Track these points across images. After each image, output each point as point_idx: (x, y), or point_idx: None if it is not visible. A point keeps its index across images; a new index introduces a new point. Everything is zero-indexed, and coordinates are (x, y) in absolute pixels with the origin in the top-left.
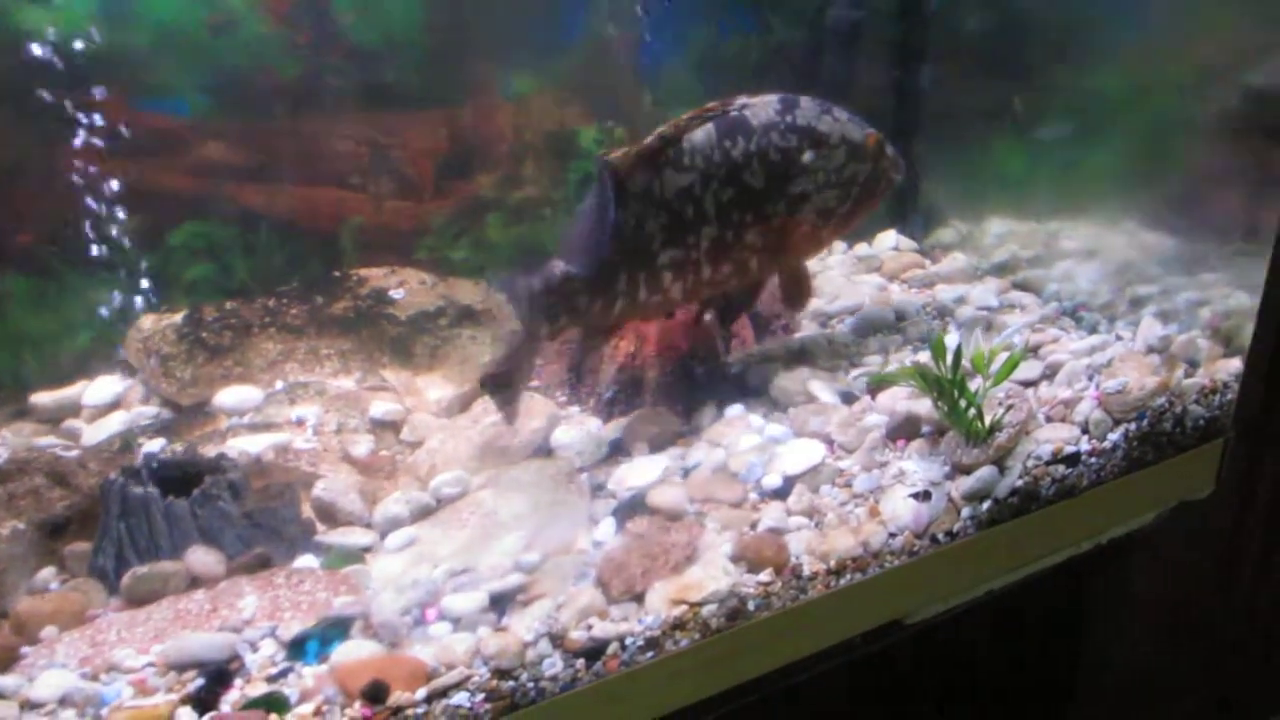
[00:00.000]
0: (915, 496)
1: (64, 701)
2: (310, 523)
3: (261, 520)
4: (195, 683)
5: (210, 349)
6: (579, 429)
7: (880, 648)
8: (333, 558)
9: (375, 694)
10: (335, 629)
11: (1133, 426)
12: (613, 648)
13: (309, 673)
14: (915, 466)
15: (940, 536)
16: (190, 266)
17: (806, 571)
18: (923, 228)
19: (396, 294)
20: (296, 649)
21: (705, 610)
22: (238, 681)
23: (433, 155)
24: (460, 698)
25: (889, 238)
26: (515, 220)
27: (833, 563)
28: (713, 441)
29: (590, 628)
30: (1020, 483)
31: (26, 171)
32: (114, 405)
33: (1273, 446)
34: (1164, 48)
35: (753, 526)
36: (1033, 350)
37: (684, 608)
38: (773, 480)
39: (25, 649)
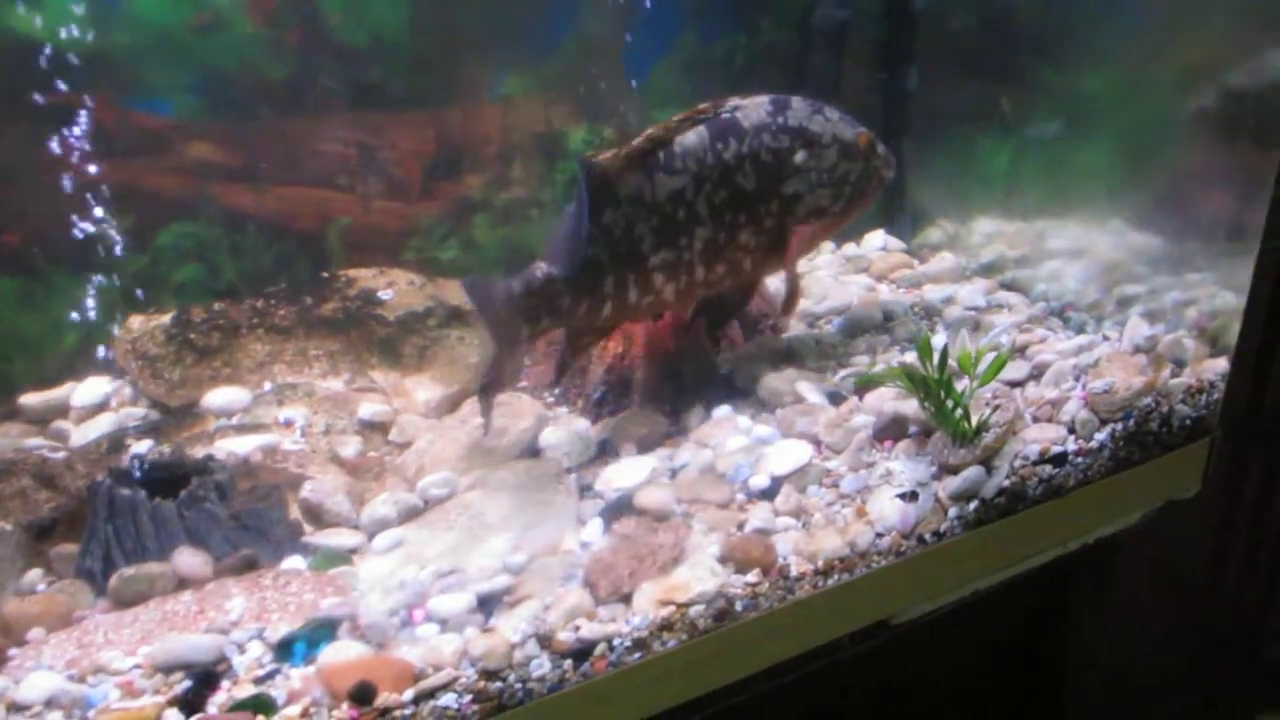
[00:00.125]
0: (902, 497)
1: (50, 703)
2: (298, 524)
3: (249, 522)
4: (182, 685)
5: (198, 350)
6: (567, 430)
7: (867, 648)
8: (320, 559)
9: (362, 695)
10: (322, 630)
11: (1119, 426)
12: (600, 649)
13: (296, 674)
14: (902, 467)
15: (927, 537)
16: (178, 267)
17: (794, 572)
18: (911, 228)
19: (385, 295)
20: (284, 650)
21: (692, 611)
22: (225, 683)
23: (420, 156)
24: (447, 699)
25: (877, 238)
26: (503, 221)
27: (820, 563)
28: (700, 442)
29: (578, 629)
30: (1007, 483)
31: (12, 171)
32: (102, 406)
33: (1259, 446)
34: (1149, 48)
35: (740, 527)
36: (1020, 350)
37: (671, 608)
38: (760, 481)
39: (12, 651)
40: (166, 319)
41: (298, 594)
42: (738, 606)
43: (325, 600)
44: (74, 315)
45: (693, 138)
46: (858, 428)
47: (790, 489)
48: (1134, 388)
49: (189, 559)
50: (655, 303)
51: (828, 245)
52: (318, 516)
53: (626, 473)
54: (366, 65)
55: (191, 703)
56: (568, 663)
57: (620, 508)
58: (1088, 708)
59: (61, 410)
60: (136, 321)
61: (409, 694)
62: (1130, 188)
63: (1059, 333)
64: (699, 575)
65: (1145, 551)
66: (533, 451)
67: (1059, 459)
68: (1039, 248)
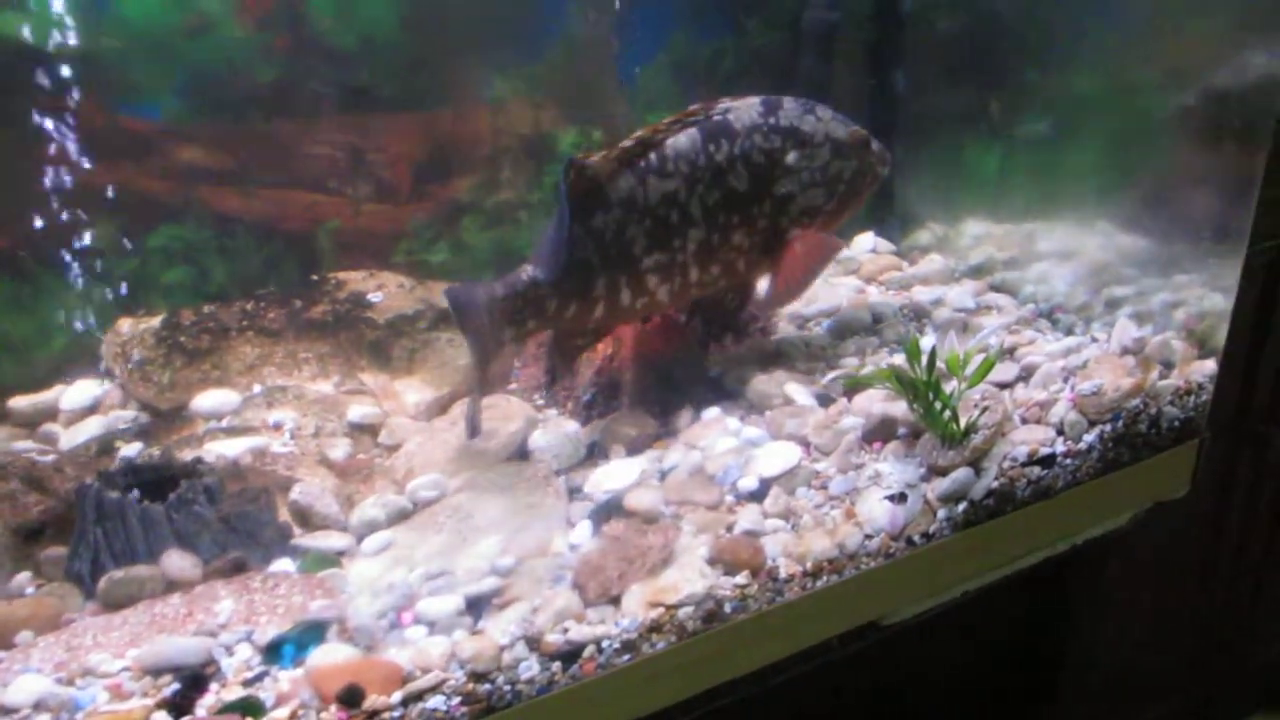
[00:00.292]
0: (891, 498)
1: (39, 706)
2: (287, 526)
3: (237, 524)
4: (171, 687)
5: (188, 353)
6: (556, 432)
7: (857, 649)
8: (309, 561)
9: (351, 698)
10: (311, 633)
11: (1108, 428)
12: (589, 651)
13: (285, 677)
14: (891, 468)
15: (916, 538)
16: (168, 270)
17: (783, 574)
18: (900, 230)
19: (374, 297)
20: (272, 653)
21: (682, 613)
22: (213, 686)
23: (410, 159)
24: (436, 701)
25: (867, 240)
26: (492, 224)
27: (809, 565)
28: (690, 444)
29: (566, 631)
30: (996, 484)
31: (1, 174)
32: (91, 409)
33: (1249, 447)
34: (1136, 49)
35: (729, 529)
36: (1008, 352)
37: (660, 610)
38: (749, 483)
39: (0, 654)
40: (156, 322)
41: (286, 596)
42: (727, 608)
43: (314, 603)
44: (63, 318)
45: (684, 140)
46: (846, 429)
47: (779, 491)
48: (1122, 389)
49: (178, 562)
50: (649, 304)
51: None
52: (307, 519)
53: (616, 475)
54: (356, 68)
55: (180, 705)
56: (556, 665)
57: (609, 510)
58: (1079, 709)
59: (50, 413)
60: (126, 324)
61: (397, 696)
62: (1118, 189)
63: (1047, 334)
64: (688, 577)
65: (1135, 553)
66: (522, 454)
67: (1047, 460)
68: (1028, 250)
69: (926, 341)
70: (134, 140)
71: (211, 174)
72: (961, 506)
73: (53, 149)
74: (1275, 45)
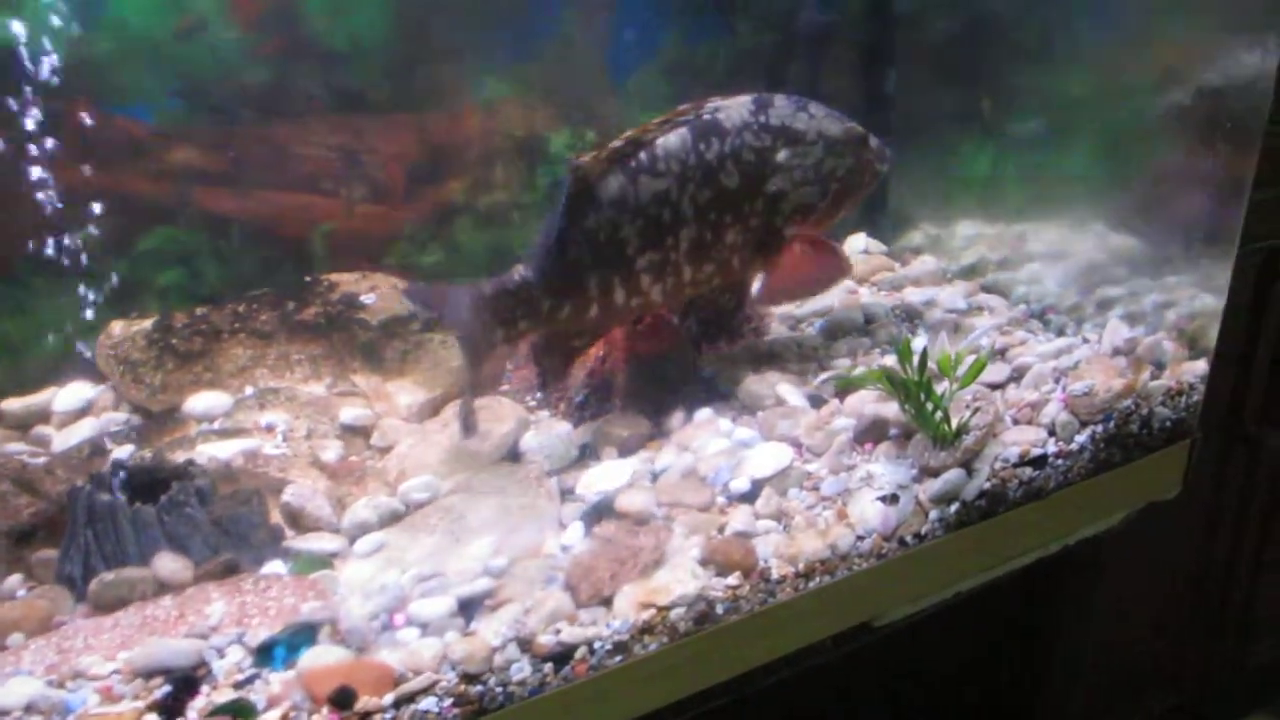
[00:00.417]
0: (883, 499)
1: (30, 709)
2: (279, 528)
3: (229, 526)
4: (162, 690)
5: (180, 355)
6: (548, 433)
7: (849, 651)
8: (301, 563)
9: (342, 700)
10: (302, 635)
11: (1099, 428)
12: (581, 652)
13: (276, 679)
14: (883, 469)
15: (908, 539)
16: (161, 272)
17: (775, 575)
18: (892, 231)
19: (367, 299)
20: (264, 655)
21: (673, 614)
22: (204, 688)
23: (404, 160)
24: (428, 703)
25: (859, 241)
26: (486, 225)
27: (801, 566)
28: (682, 445)
29: (558, 632)
30: (988, 485)
31: None
32: (84, 411)
33: (1242, 447)
34: (1128, 51)
35: (720, 530)
36: (1000, 353)
37: (652, 611)
38: (741, 484)
39: None
40: (148, 324)
41: (278, 598)
42: (719, 609)
43: (306, 604)
44: (55, 320)
45: (674, 139)
46: (838, 430)
47: (771, 492)
48: (1114, 390)
49: (169, 564)
50: (643, 304)
51: None
52: (298, 521)
53: (608, 476)
54: (349, 69)
55: (171, 708)
56: (548, 666)
57: (601, 511)
58: (1072, 710)
59: (43, 416)
60: (118, 326)
61: (389, 698)
62: (1110, 190)
63: (1039, 335)
64: (680, 578)
65: (1128, 553)
66: (514, 455)
67: (1039, 461)
68: (1020, 250)
69: (918, 342)
70: (127, 142)
71: (204, 176)
72: (953, 507)
73: (45, 150)
74: (1265, 45)
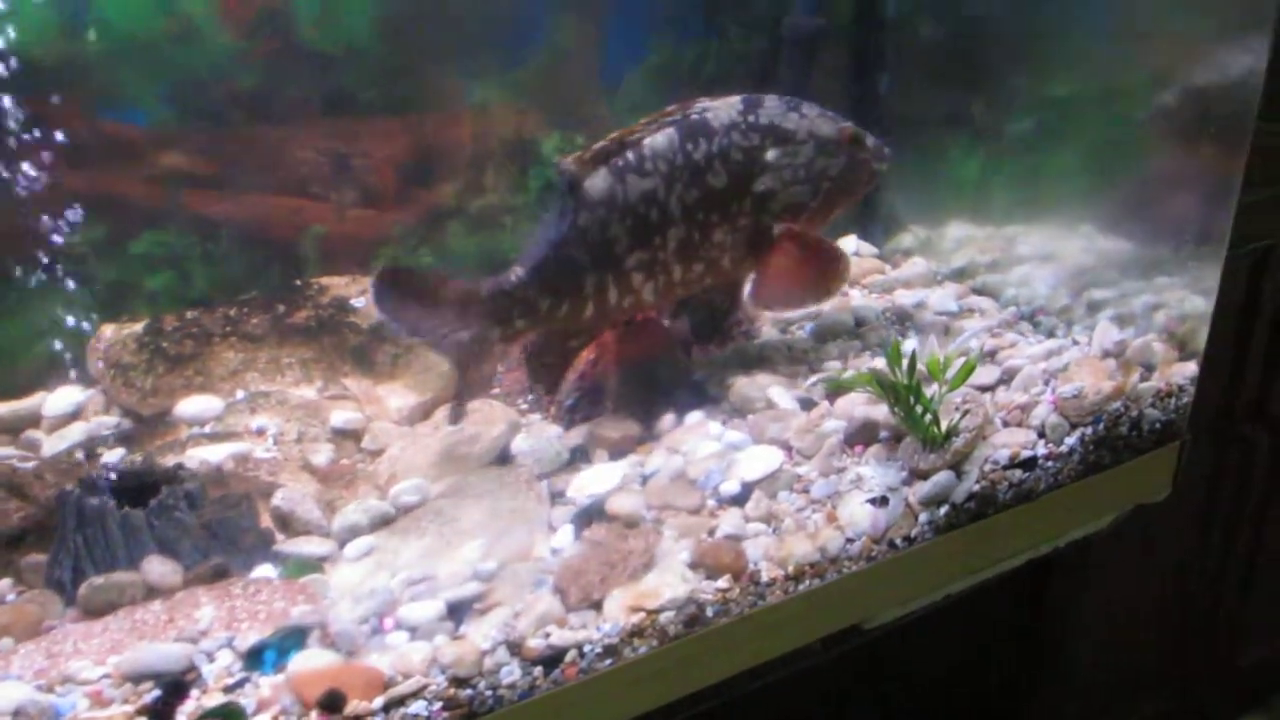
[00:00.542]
0: (873, 502)
1: (18, 714)
2: (269, 532)
3: (219, 530)
4: (151, 694)
5: (171, 358)
6: (539, 436)
7: (839, 653)
8: (291, 567)
9: (332, 703)
10: (292, 638)
11: (1089, 430)
12: (571, 655)
13: (266, 683)
14: (873, 472)
15: (898, 541)
16: (151, 275)
17: (765, 578)
18: (883, 233)
19: (358, 302)
20: (253, 659)
21: (663, 617)
22: (194, 692)
23: (394, 163)
24: (418, 706)
25: (849, 243)
26: (477, 228)
27: (791, 569)
28: (672, 448)
29: (548, 635)
30: (977, 487)
31: None
32: (74, 416)
33: (1235, 448)
34: (1118, 52)
35: (710, 533)
36: (990, 355)
37: (642, 615)
38: (731, 487)
39: None
40: (139, 327)
41: (268, 602)
42: (708, 612)
43: (295, 608)
44: (46, 324)
45: (662, 139)
46: (829, 433)
47: (761, 494)
48: (1103, 392)
49: (158, 568)
50: (635, 303)
51: None
52: (288, 524)
53: (598, 479)
54: (339, 72)
55: (160, 712)
56: (538, 670)
57: (591, 514)
58: (1063, 712)
59: (33, 420)
60: (109, 330)
61: (379, 702)
62: (1100, 192)
63: (1029, 337)
64: (669, 581)
65: (1118, 555)
66: (504, 458)
67: (1029, 463)
68: (1010, 252)
69: (908, 345)
70: (117, 145)
71: (195, 179)
72: (943, 510)
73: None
74: (1253, 46)
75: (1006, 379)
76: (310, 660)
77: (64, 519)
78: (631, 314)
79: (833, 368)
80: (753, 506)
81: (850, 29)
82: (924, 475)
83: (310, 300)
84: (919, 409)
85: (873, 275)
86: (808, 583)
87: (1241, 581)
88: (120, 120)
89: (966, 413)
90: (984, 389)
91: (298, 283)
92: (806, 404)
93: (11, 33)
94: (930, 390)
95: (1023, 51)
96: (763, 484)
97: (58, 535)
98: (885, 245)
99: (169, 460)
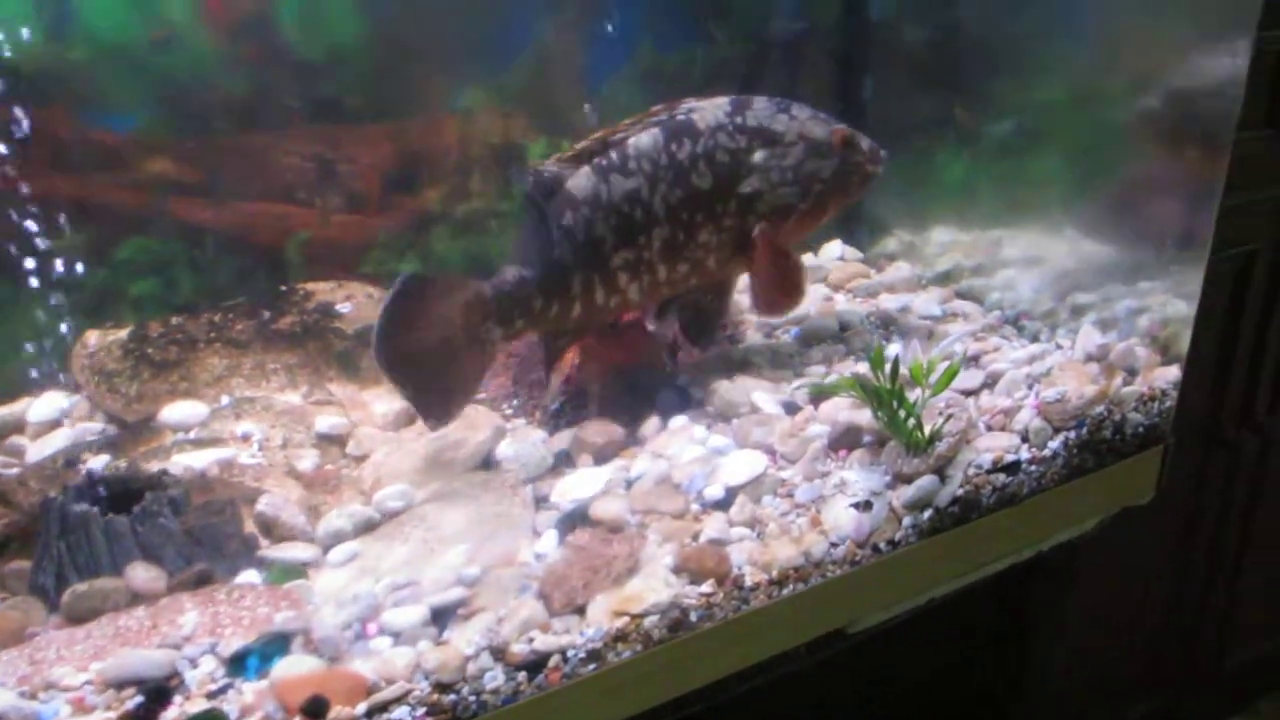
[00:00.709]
0: (856, 506)
1: None
2: (253, 538)
3: (202, 536)
4: (134, 700)
5: (156, 364)
6: (524, 441)
7: (823, 657)
8: (275, 573)
9: (315, 709)
10: (275, 644)
11: (1072, 434)
12: (554, 660)
13: (249, 689)
14: (856, 476)
15: (882, 546)
16: (136, 282)
17: (748, 582)
18: (868, 237)
19: (343, 308)
20: (237, 665)
21: (647, 622)
22: (177, 698)
23: (379, 169)
24: (401, 712)
25: (834, 248)
26: (462, 233)
27: (775, 573)
28: (656, 453)
29: (532, 640)
30: (961, 491)
31: None
32: (58, 422)
33: (1221, 452)
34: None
35: (694, 538)
36: (973, 359)
37: (625, 620)
38: (715, 491)
39: None
40: (123, 334)
41: (251, 608)
42: (692, 617)
43: (279, 614)
44: (30, 331)
45: (647, 140)
46: (813, 437)
47: (745, 499)
48: (1086, 396)
49: (142, 574)
50: (621, 303)
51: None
52: (272, 530)
53: (582, 484)
54: (324, 78)
55: (143, 718)
56: (522, 675)
57: (575, 519)
58: (1048, 715)
59: (17, 426)
60: (93, 336)
61: (362, 707)
62: (1084, 197)
63: (1013, 341)
64: (653, 586)
65: (1102, 559)
66: (489, 463)
67: (1012, 467)
68: (994, 257)
69: (891, 350)
70: (102, 152)
71: (180, 186)
72: (927, 514)
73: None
74: (1233, 51)
75: (990, 383)
76: (294, 666)
77: (48, 525)
78: (619, 313)
79: (817, 372)
80: (737, 511)
81: (835, 34)
82: (907, 479)
83: (295, 306)
84: (902, 413)
85: (857, 280)
86: (791, 587)
87: (1228, 585)
88: (104, 126)
89: (950, 417)
90: (967, 393)
91: (283, 288)
92: (791, 408)
93: None
94: (914, 395)
95: (1007, 56)
96: (747, 488)
97: (41, 541)
98: (870, 250)
99: (153, 466)
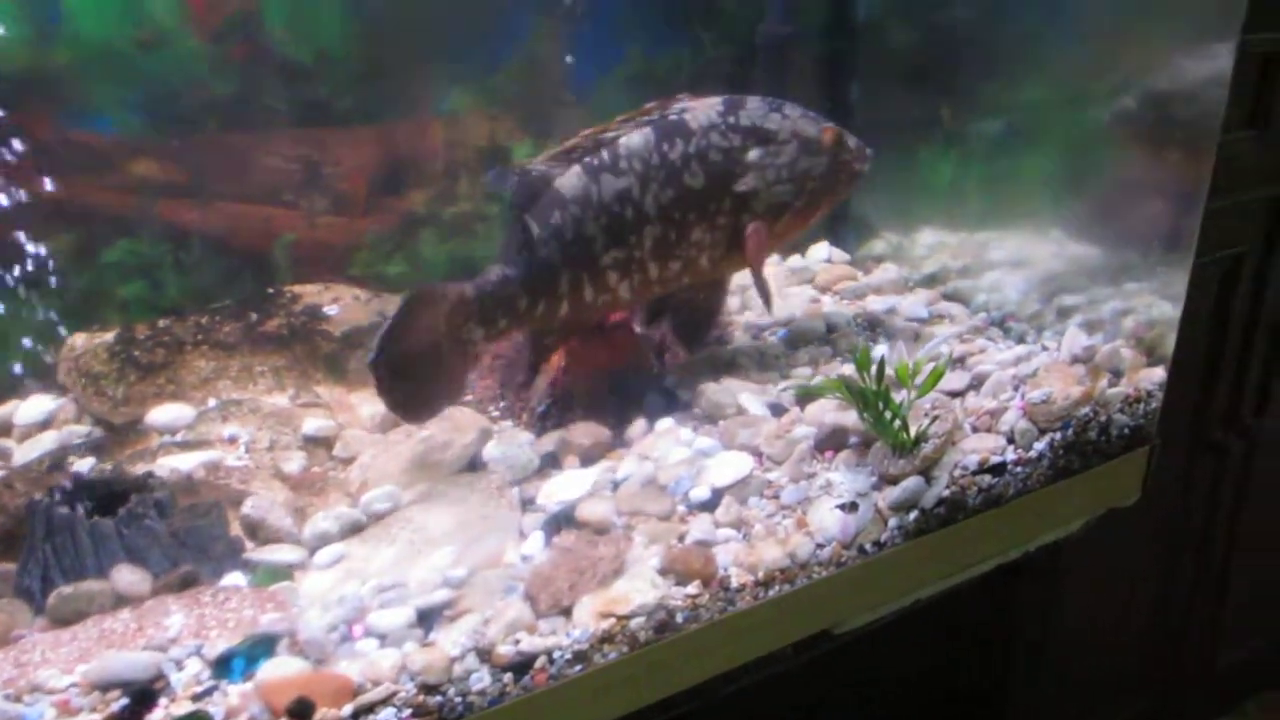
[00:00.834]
0: (842, 507)
1: None
2: (239, 540)
3: (188, 538)
4: (119, 702)
5: (142, 367)
6: (510, 443)
7: (810, 658)
8: (260, 575)
9: (301, 711)
10: (261, 646)
11: (1058, 436)
12: (540, 661)
13: (234, 691)
14: (842, 478)
15: (868, 547)
16: (123, 284)
17: (734, 583)
18: (855, 239)
19: (330, 310)
20: (222, 667)
21: (633, 623)
22: (162, 701)
23: (366, 171)
24: (387, 714)
25: (821, 249)
26: (449, 235)
27: (761, 574)
28: (643, 454)
29: (518, 642)
30: (947, 493)
31: None
32: (45, 424)
33: (1208, 453)
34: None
35: (681, 539)
36: (959, 361)
37: (612, 621)
38: (701, 493)
39: None
40: (110, 336)
41: (237, 610)
42: (678, 618)
43: (265, 616)
44: (16, 333)
45: (638, 139)
46: (799, 439)
47: (731, 500)
48: (1072, 397)
49: (128, 576)
50: (611, 301)
51: (773, 257)
52: (258, 532)
53: (568, 486)
54: (311, 81)
55: None
56: (508, 676)
57: (561, 521)
58: (1035, 716)
59: (4, 429)
60: (80, 339)
61: (348, 709)
62: (1070, 199)
63: (999, 343)
64: (639, 587)
65: (1087, 560)
66: (475, 465)
67: (998, 469)
68: (980, 259)
69: (878, 351)
70: (88, 154)
71: (166, 188)
72: (913, 515)
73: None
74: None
75: (976, 384)
76: (279, 668)
77: (33, 527)
78: (608, 312)
79: (803, 374)
80: (723, 512)
81: (822, 36)
82: (893, 481)
83: (282, 308)
84: (888, 415)
85: (845, 281)
86: (778, 588)
87: (1217, 586)
88: (91, 129)
89: (936, 418)
90: (953, 394)
91: (270, 291)
92: (777, 410)
93: None
94: (900, 396)
95: (993, 58)
96: (733, 490)
97: (27, 544)
98: (857, 251)
99: (140, 468)
